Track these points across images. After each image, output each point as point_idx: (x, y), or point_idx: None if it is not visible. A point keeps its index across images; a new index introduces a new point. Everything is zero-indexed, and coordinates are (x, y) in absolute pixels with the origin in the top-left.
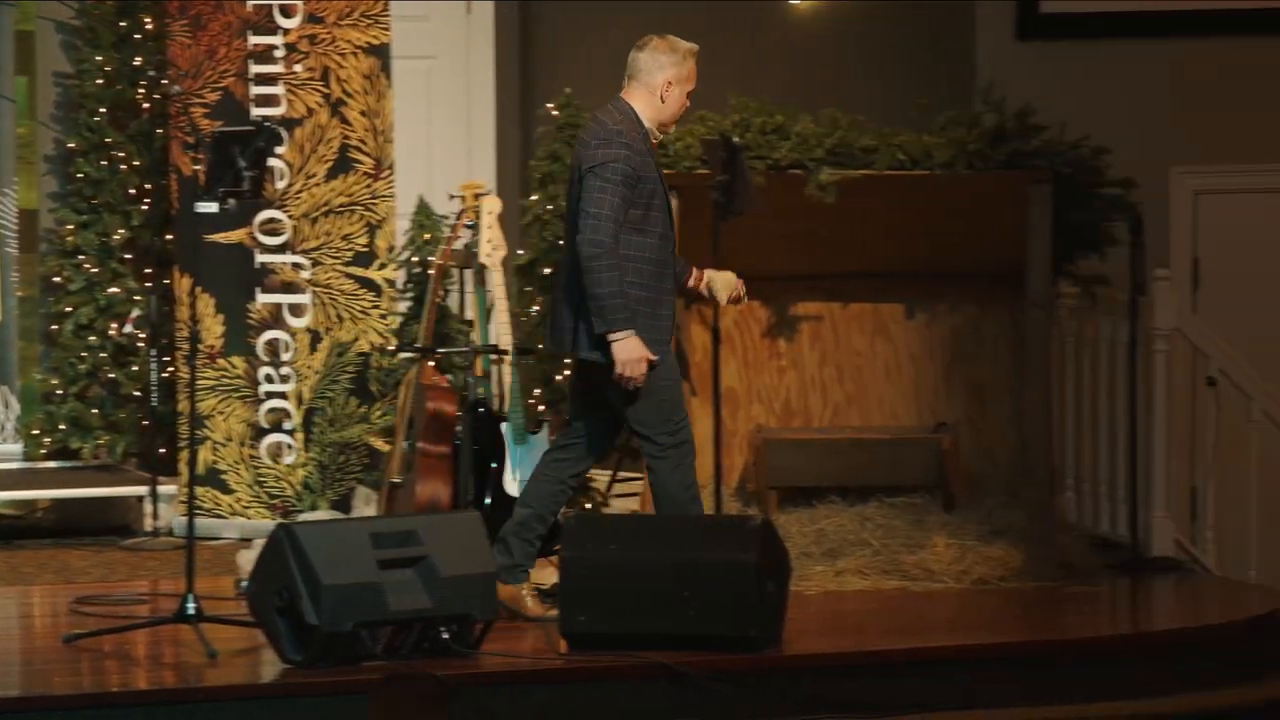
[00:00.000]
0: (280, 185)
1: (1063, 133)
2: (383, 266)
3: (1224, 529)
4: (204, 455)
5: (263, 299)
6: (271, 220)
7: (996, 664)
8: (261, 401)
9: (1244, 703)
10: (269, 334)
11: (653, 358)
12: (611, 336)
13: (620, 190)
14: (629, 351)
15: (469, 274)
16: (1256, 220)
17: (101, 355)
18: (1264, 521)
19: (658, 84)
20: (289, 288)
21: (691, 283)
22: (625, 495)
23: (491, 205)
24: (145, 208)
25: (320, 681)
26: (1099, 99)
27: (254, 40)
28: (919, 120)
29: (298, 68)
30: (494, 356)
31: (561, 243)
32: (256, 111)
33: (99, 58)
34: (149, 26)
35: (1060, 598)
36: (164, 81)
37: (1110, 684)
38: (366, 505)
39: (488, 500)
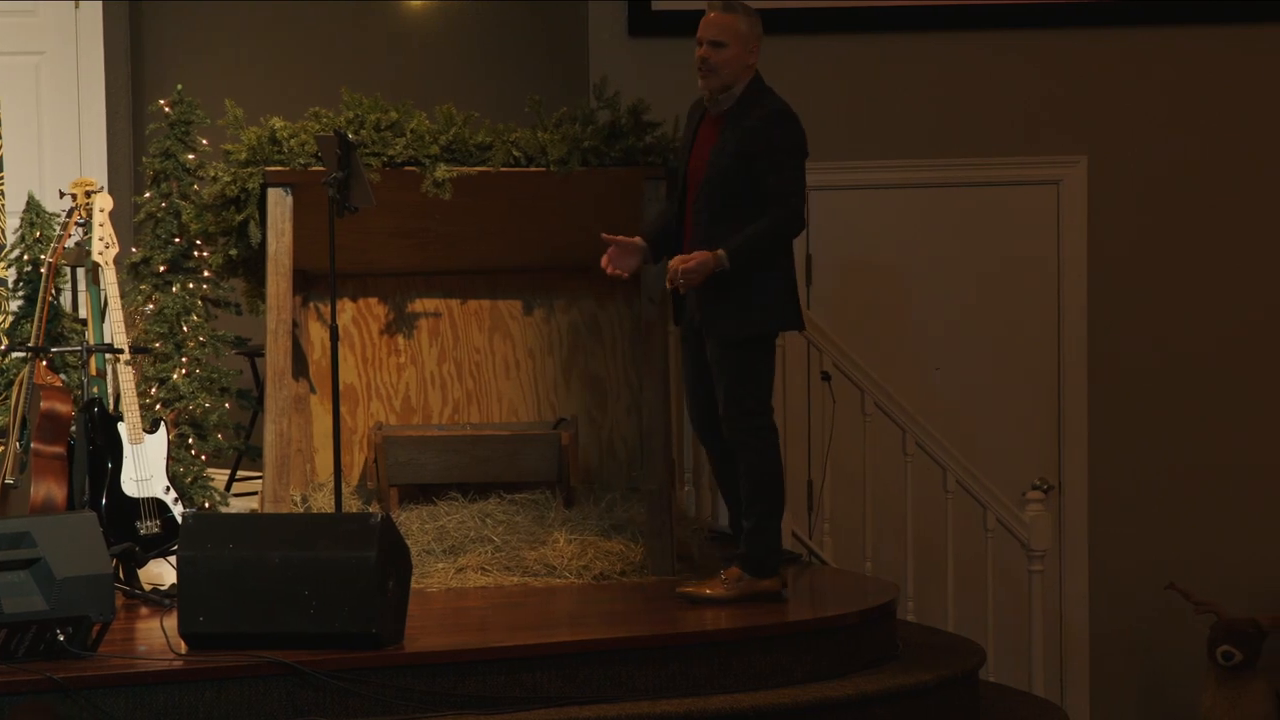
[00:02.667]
0: None
1: (676, 129)
2: None
3: (840, 522)
4: None
5: None
6: None
7: (619, 658)
8: None
9: (860, 693)
10: None
11: None
12: None
13: None
14: None
15: (81, 272)
16: (864, 216)
17: None
18: (879, 514)
19: None
20: None
21: None
22: (245, 494)
23: (103, 203)
24: None
25: None
26: None
27: None
28: (535, 117)
29: None
30: (109, 356)
31: None
32: None
33: None
34: None
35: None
36: None
37: (732, 676)
38: None
39: (104, 501)
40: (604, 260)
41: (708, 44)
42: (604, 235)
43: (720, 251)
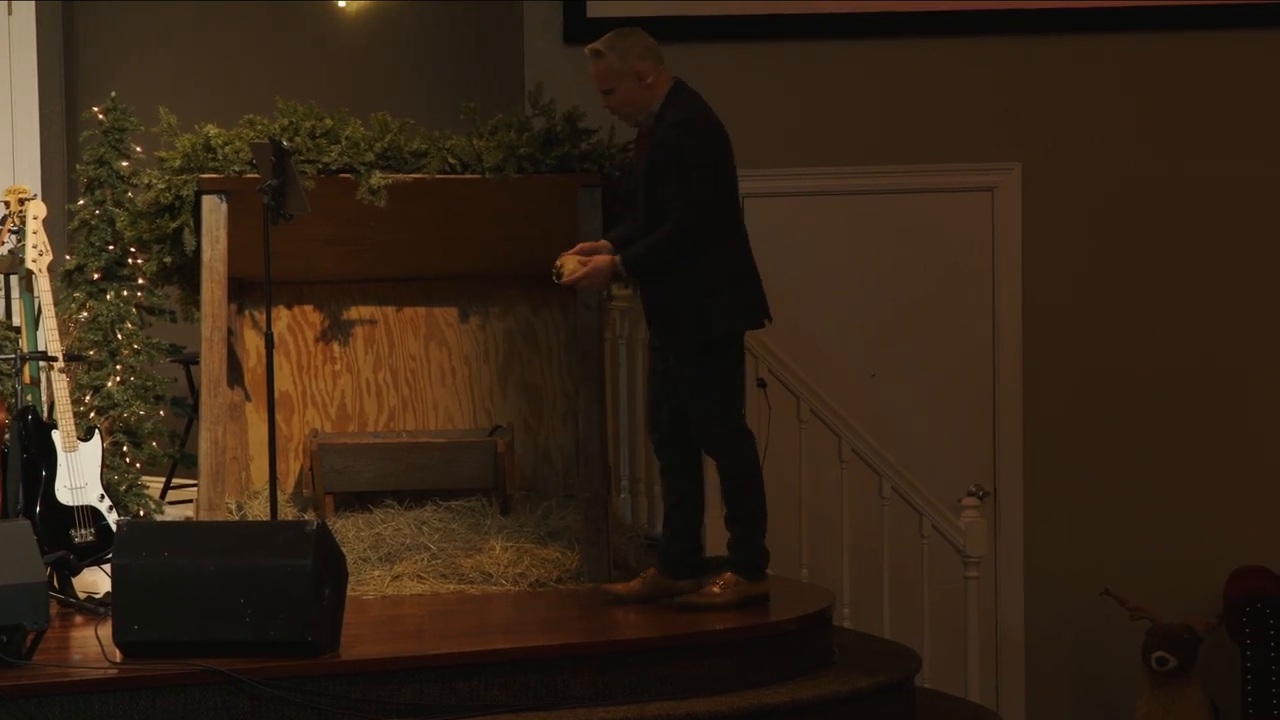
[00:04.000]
0: None
1: (612, 136)
2: None
3: (776, 528)
4: None
5: None
6: None
7: (555, 665)
8: None
9: (796, 700)
10: None
11: None
12: None
13: None
14: None
15: (15, 280)
16: (802, 223)
17: None
18: (814, 521)
19: None
20: None
21: None
22: (180, 502)
23: (37, 210)
24: None
25: None
26: None
27: None
28: (470, 124)
29: None
30: (43, 363)
31: None
32: None
33: None
34: None
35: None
36: None
37: (668, 683)
38: None
39: (38, 509)
40: (572, 280)
41: (603, 94)
42: (582, 244)
43: (616, 258)
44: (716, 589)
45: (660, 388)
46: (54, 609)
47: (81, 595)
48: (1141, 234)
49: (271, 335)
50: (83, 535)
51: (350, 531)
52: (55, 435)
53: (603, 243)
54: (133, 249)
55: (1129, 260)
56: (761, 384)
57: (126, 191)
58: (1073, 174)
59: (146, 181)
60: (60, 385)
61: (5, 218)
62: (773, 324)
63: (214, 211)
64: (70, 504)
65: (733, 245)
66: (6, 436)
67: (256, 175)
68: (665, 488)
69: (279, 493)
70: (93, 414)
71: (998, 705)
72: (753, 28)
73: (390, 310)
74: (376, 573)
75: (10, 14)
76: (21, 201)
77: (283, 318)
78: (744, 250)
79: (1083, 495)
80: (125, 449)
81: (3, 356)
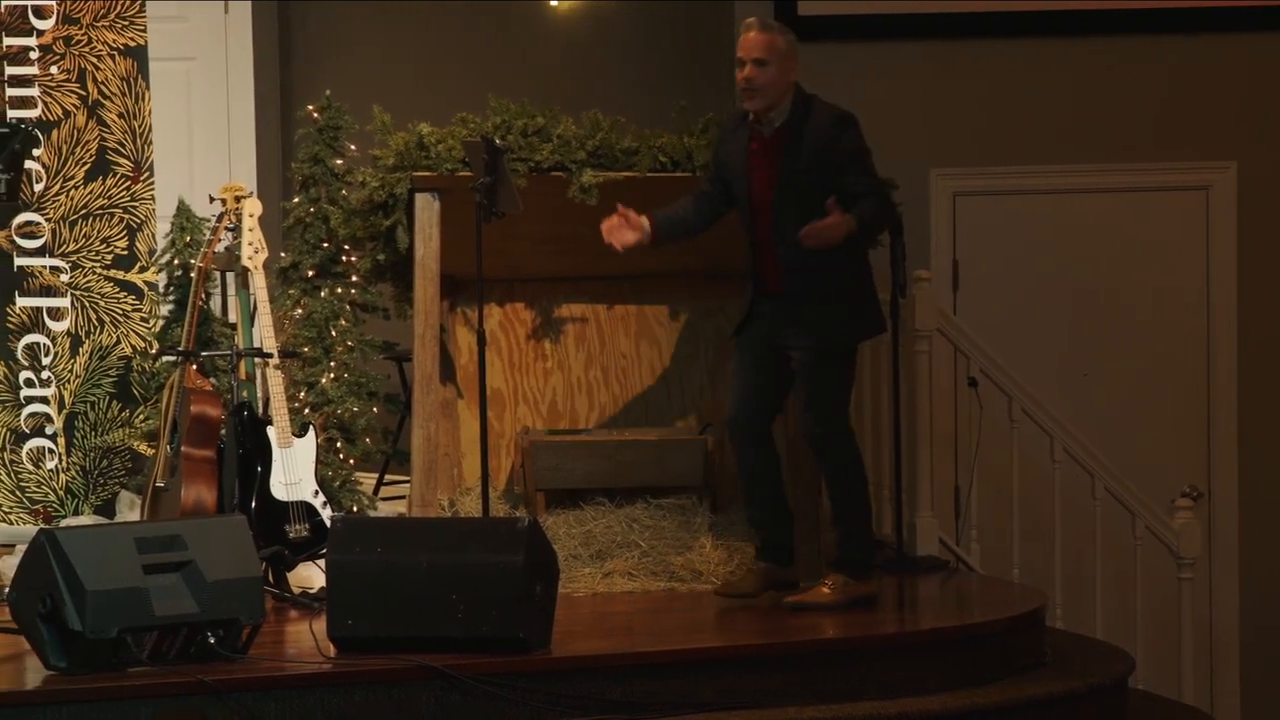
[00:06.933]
0: (38, 188)
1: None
2: (144, 269)
3: (988, 528)
4: None
5: (22, 302)
6: (29, 223)
7: (765, 664)
8: (22, 406)
9: (1008, 700)
10: (29, 338)
11: None
12: None
13: (705, 178)
14: None
15: (231, 277)
16: (1012, 221)
17: None
18: (1026, 520)
19: None
20: (48, 291)
21: None
22: (393, 498)
23: (253, 208)
24: None
25: (85, 688)
26: (859, 100)
27: (8, 42)
28: (680, 122)
29: (54, 69)
30: (258, 360)
31: None
32: (12, 114)
33: None
34: None
35: None
36: None
37: (876, 683)
38: (131, 510)
39: (254, 504)
40: (604, 227)
41: (751, 63)
42: (619, 206)
43: (849, 216)
44: (826, 589)
45: (758, 382)
46: (269, 604)
47: (296, 590)
48: None
49: (484, 332)
50: (297, 531)
51: (561, 529)
52: (270, 431)
53: (643, 218)
54: (347, 246)
55: None
56: (973, 383)
57: (341, 189)
58: None
59: (360, 179)
60: (275, 381)
61: (222, 215)
62: (985, 322)
63: (427, 209)
64: (285, 499)
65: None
66: (223, 432)
67: (469, 173)
68: (757, 481)
69: (490, 490)
70: (307, 410)
71: (1211, 708)
72: (959, 27)
73: (601, 308)
74: (587, 570)
75: (227, 13)
76: (238, 199)
77: (494, 315)
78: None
79: None
80: (339, 445)
81: (219, 353)
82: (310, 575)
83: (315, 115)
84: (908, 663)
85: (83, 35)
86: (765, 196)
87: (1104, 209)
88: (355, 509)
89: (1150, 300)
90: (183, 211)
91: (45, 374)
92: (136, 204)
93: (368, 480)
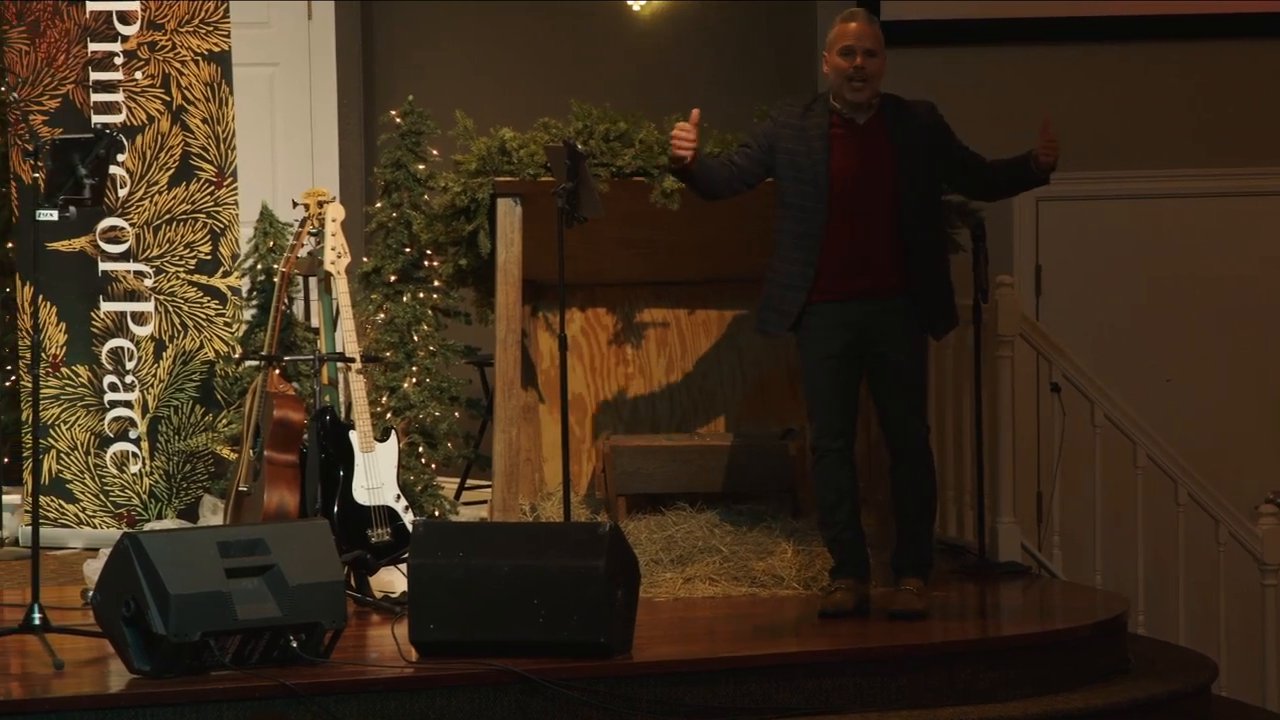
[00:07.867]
0: (122, 193)
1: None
2: (227, 274)
3: (1070, 534)
4: (48, 464)
5: (106, 307)
6: (113, 228)
7: (846, 669)
8: (106, 410)
9: (1090, 707)
10: (113, 342)
11: None
12: None
13: (737, 151)
14: None
15: (314, 281)
16: (1096, 227)
17: None
18: (1108, 526)
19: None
20: (132, 296)
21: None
22: (474, 503)
23: (335, 212)
24: None
25: (168, 691)
26: (942, 105)
27: (93, 47)
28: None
29: (138, 75)
30: (340, 364)
31: None
32: (97, 119)
33: None
34: None
35: None
36: (1, 89)
37: (958, 688)
38: (213, 514)
39: (336, 508)
40: (678, 129)
41: (863, 54)
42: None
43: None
44: (914, 594)
45: (847, 400)
46: (351, 608)
47: (378, 594)
48: None
49: (565, 338)
50: (379, 535)
51: (642, 533)
52: (352, 436)
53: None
54: (429, 251)
55: None
56: (1055, 388)
57: (423, 194)
58: None
59: (442, 184)
60: (357, 386)
61: (305, 220)
62: (1069, 327)
63: (509, 214)
64: (367, 504)
65: None
66: (305, 437)
67: (551, 178)
68: (846, 497)
69: (572, 494)
70: (389, 415)
71: None
72: (1044, 30)
73: (682, 313)
74: (668, 575)
75: (310, 18)
76: (320, 204)
77: (576, 320)
78: None
79: None
80: (421, 449)
81: (302, 357)
82: (392, 579)
83: (398, 120)
84: (990, 669)
85: (167, 41)
86: (845, 182)
87: (1188, 214)
88: (437, 513)
89: (1235, 305)
90: (266, 216)
91: (129, 378)
92: (220, 209)
93: (449, 485)
